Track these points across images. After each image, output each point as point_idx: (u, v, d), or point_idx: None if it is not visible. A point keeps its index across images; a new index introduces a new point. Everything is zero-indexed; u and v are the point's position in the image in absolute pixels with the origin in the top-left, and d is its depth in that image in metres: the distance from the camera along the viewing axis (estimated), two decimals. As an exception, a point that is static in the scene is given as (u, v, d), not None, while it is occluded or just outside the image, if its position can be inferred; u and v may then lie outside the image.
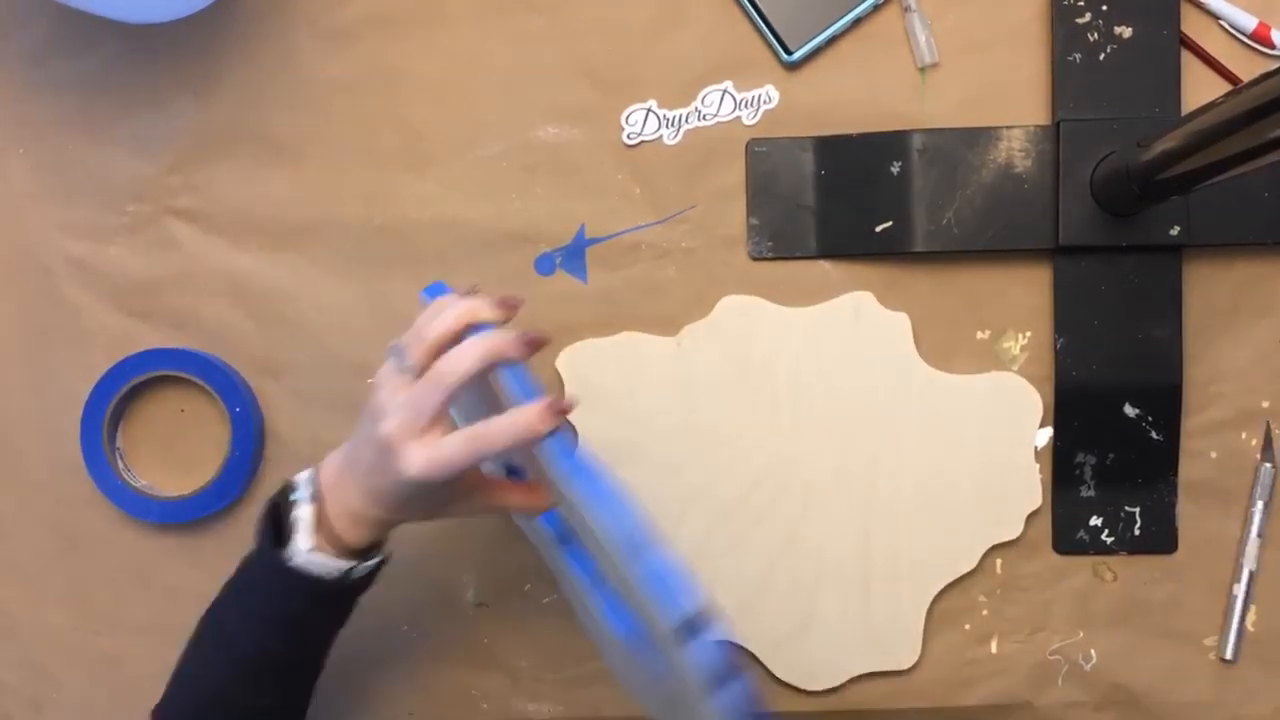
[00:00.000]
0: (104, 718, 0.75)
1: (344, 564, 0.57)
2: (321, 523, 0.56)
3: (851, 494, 0.71)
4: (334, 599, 0.58)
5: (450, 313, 0.54)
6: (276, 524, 0.57)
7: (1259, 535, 0.70)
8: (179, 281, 0.74)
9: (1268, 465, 0.70)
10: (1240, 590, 0.70)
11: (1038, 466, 0.71)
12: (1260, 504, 0.70)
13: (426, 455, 0.52)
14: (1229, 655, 0.70)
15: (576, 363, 0.71)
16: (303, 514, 0.56)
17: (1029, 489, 0.70)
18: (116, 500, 0.72)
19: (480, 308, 0.54)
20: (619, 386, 0.71)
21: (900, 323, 0.71)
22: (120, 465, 0.73)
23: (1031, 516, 0.71)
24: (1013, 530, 0.71)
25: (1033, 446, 0.71)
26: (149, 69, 0.74)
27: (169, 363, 0.72)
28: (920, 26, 0.70)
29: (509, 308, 0.55)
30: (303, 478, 0.58)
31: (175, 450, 0.74)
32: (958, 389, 0.71)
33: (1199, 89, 0.69)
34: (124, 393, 0.72)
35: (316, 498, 0.57)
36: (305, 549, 0.56)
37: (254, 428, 0.72)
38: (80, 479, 0.73)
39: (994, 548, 0.71)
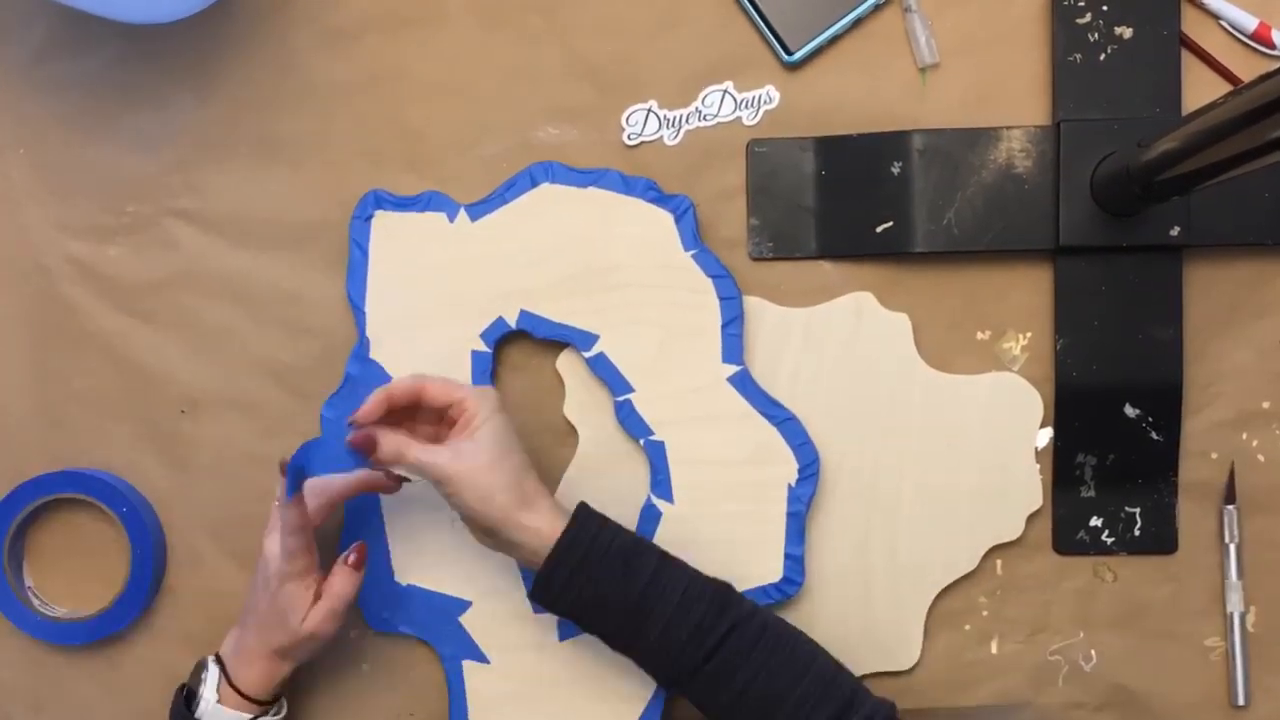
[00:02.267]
0: (103, 718, 0.75)
1: (248, 715, 0.66)
2: (223, 685, 0.66)
3: (851, 494, 0.71)
4: None
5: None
6: (189, 696, 0.67)
7: (1238, 578, 0.70)
8: (179, 281, 0.74)
9: (1231, 507, 0.70)
10: (1236, 638, 0.70)
11: (1038, 466, 0.71)
12: (1232, 547, 0.70)
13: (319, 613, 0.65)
14: (1240, 701, 0.70)
15: (577, 363, 0.71)
16: (209, 675, 0.66)
17: (1030, 489, 0.70)
18: (14, 620, 0.73)
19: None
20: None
21: (901, 323, 0.70)
22: (21, 586, 0.74)
23: (1032, 517, 0.71)
24: (1014, 530, 0.70)
25: (1033, 447, 0.71)
26: (149, 69, 0.73)
27: (71, 486, 0.72)
28: (920, 27, 0.70)
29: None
30: (209, 657, 0.67)
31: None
32: (958, 389, 0.70)
33: (1199, 89, 0.69)
34: (25, 514, 0.73)
35: (220, 663, 0.67)
36: (212, 701, 0.65)
37: (153, 549, 0.72)
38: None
39: (994, 548, 0.71)
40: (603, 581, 0.61)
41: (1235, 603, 0.70)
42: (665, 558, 0.63)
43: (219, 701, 0.65)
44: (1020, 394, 0.70)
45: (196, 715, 0.65)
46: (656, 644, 0.61)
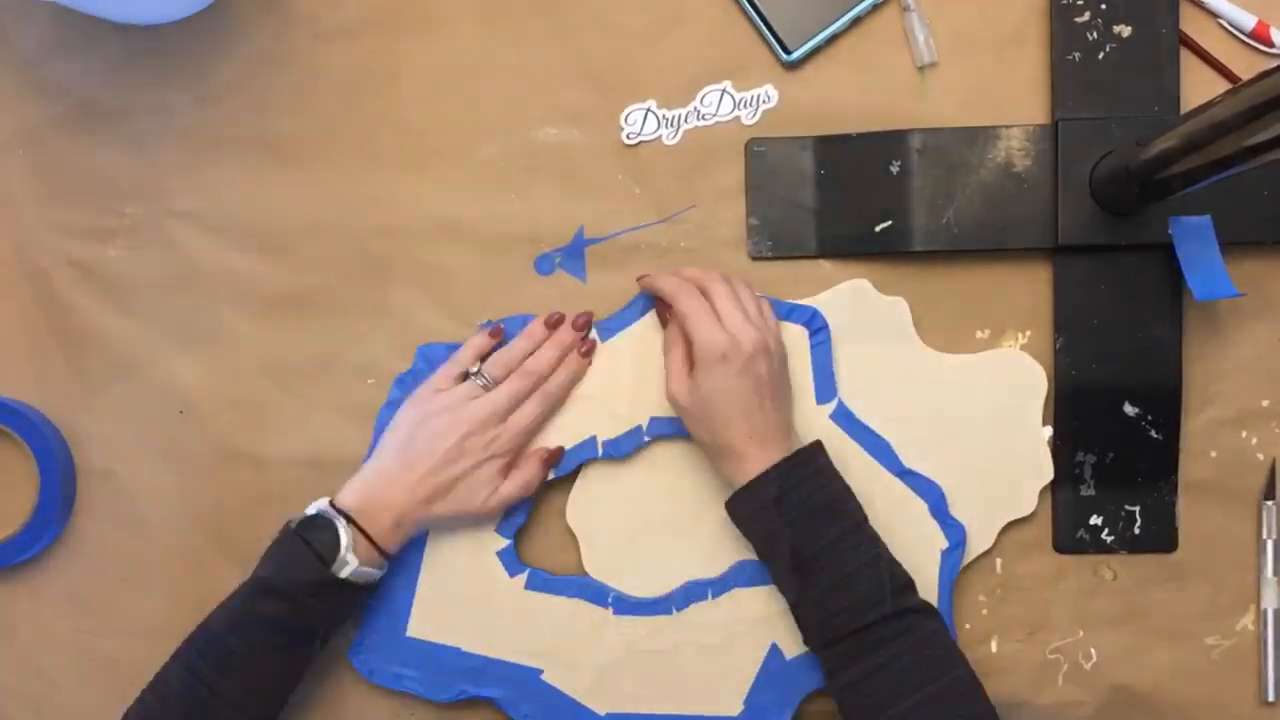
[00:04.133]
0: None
1: (380, 571, 0.66)
2: (356, 540, 0.64)
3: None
4: (356, 604, 0.67)
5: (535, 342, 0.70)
6: (305, 548, 0.63)
7: (1275, 575, 0.70)
8: (179, 282, 0.74)
9: (1270, 503, 0.70)
10: (1269, 634, 0.70)
11: (1048, 435, 0.70)
12: (1270, 543, 0.70)
13: (509, 489, 0.68)
14: (1271, 697, 0.70)
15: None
16: (343, 530, 0.64)
17: (1039, 464, 0.70)
18: None
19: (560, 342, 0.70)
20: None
21: (898, 307, 0.70)
22: None
23: (1032, 517, 0.71)
24: (1027, 506, 0.70)
25: (1040, 421, 0.70)
26: (149, 69, 0.74)
27: None
28: (919, 26, 0.70)
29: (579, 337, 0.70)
30: (322, 508, 0.65)
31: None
32: (961, 369, 0.70)
33: (1198, 88, 0.69)
34: None
35: (351, 521, 0.64)
36: (355, 564, 0.63)
37: (60, 472, 0.72)
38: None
39: (993, 547, 0.71)
40: (786, 527, 0.63)
41: (1271, 599, 0.70)
42: (856, 529, 0.64)
43: (361, 565, 0.64)
44: (1023, 369, 0.70)
45: (342, 575, 0.63)
46: (808, 603, 0.63)
